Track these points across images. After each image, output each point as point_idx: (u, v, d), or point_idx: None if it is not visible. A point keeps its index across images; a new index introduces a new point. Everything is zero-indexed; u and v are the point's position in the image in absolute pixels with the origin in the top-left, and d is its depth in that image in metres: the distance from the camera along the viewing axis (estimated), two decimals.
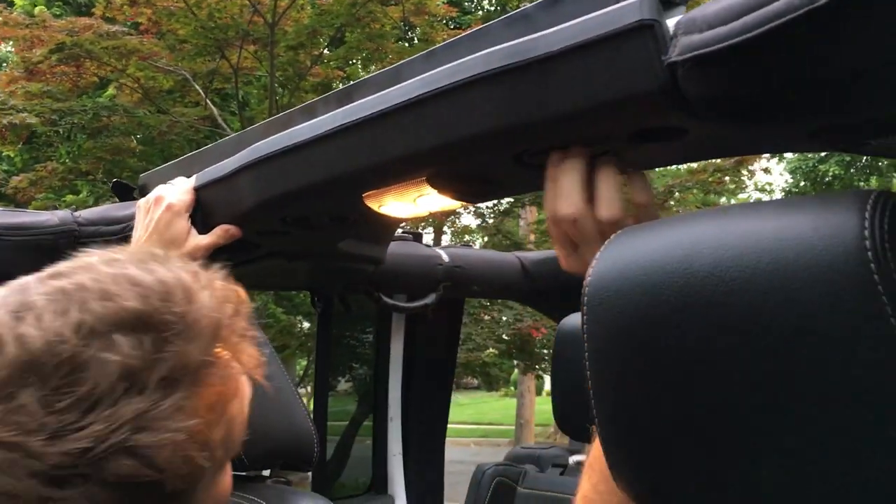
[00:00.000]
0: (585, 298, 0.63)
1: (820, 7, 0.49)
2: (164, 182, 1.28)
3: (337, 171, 0.91)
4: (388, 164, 0.85)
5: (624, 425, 0.61)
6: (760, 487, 0.53)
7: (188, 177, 1.22)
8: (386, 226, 1.19)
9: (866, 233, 0.48)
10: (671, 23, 0.62)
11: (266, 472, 1.24)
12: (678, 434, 0.56)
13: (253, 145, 1.02)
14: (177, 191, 1.17)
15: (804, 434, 0.50)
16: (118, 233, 1.29)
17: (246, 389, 0.66)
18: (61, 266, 0.61)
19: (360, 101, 0.87)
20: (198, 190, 1.15)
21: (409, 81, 0.81)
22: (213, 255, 1.18)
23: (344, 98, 0.95)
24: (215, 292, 0.62)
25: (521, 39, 0.70)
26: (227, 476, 0.68)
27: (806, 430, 0.50)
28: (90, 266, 0.60)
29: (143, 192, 1.37)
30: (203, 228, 1.15)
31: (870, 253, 0.48)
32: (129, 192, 1.47)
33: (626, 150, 0.75)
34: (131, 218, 1.23)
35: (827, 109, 0.61)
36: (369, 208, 1.01)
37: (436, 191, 0.91)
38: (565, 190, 0.73)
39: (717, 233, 0.56)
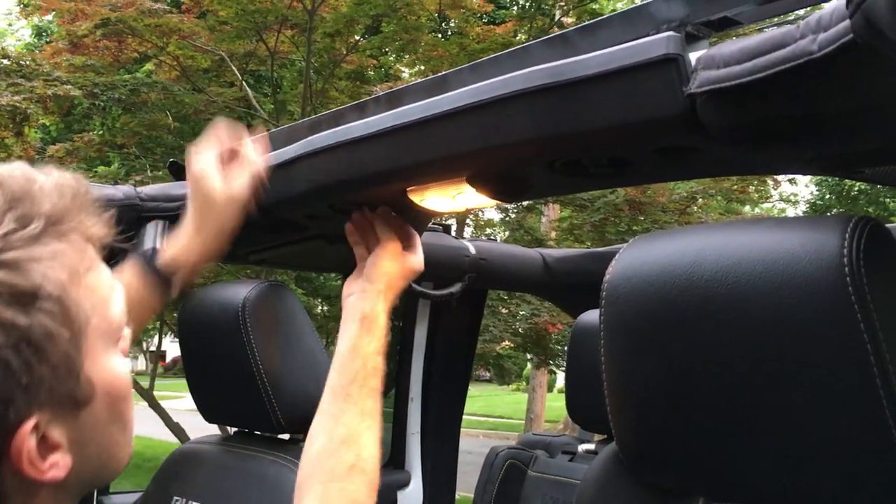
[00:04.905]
0: (604, 293, 0.73)
1: (817, 58, 0.58)
2: None
3: (385, 166, 0.98)
4: (432, 164, 0.93)
5: (631, 400, 0.71)
6: (744, 454, 0.64)
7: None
8: (422, 217, 1.28)
9: (844, 251, 0.58)
10: (695, 56, 0.70)
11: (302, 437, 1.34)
12: (676, 405, 0.67)
13: (309, 137, 1.11)
14: (195, 161, 1.20)
15: (788, 405, 0.61)
16: (176, 209, 1.38)
17: None
18: None
19: (409, 105, 0.95)
20: None
21: (456, 91, 0.89)
22: (265, 236, 1.27)
23: (394, 100, 1.03)
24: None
25: (560, 62, 0.78)
26: None
27: (790, 403, 0.61)
28: None
29: None
30: (260, 210, 1.24)
31: (846, 268, 0.58)
32: (183, 171, 1.57)
33: (647, 165, 0.84)
34: (187, 196, 1.32)
35: (823, 140, 0.70)
36: (411, 201, 1.10)
37: (474, 189, 1.00)
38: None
39: (721, 243, 0.66)
